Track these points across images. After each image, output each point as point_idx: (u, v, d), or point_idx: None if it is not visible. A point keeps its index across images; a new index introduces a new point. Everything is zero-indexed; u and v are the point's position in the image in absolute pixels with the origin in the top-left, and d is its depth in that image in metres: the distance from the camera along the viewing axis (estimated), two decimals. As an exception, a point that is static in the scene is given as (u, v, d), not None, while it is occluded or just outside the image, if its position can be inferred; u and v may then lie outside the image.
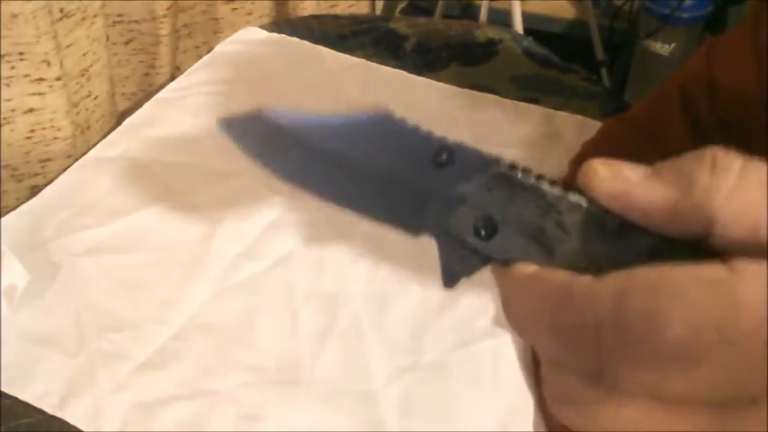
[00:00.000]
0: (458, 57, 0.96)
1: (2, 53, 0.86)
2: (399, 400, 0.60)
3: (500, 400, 0.61)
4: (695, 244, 0.25)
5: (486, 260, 0.27)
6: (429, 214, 0.27)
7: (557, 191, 0.26)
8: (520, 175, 0.27)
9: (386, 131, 0.27)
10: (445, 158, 0.27)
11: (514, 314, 0.27)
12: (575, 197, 0.26)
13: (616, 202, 0.26)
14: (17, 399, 0.60)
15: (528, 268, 0.26)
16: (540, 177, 0.27)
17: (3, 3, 0.83)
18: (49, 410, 0.59)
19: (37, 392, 0.60)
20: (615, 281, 0.24)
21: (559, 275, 0.25)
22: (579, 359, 0.25)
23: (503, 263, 0.27)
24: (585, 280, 0.25)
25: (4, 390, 0.60)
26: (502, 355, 0.63)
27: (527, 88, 0.91)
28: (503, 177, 0.27)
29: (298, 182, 0.28)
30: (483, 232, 0.26)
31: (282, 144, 0.27)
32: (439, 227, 0.27)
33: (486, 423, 0.60)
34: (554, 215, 0.26)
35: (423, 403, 0.60)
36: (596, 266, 0.25)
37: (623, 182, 0.26)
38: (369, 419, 0.59)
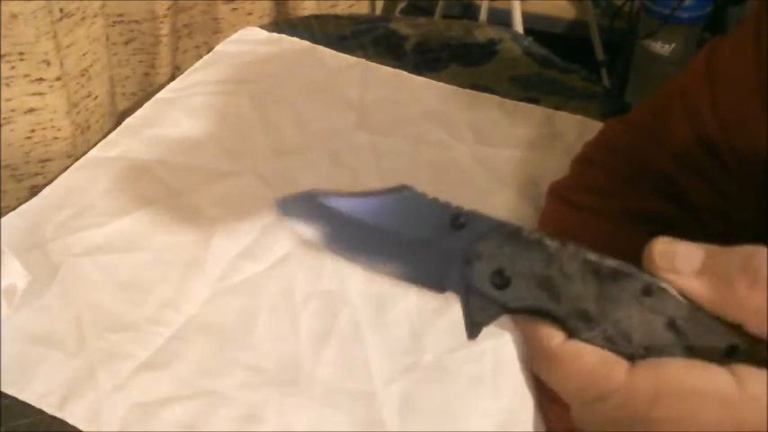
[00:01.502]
0: (458, 57, 0.96)
1: (2, 53, 0.86)
2: (399, 401, 0.60)
3: (500, 400, 0.61)
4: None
5: (503, 308, 0.32)
6: (452, 272, 0.32)
7: (556, 244, 0.31)
8: (525, 234, 0.31)
9: (410, 205, 0.33)
10: (461, 222, 0.33)
11: (558, 387, 0.33)
12: (572, 248, 0.31)
13: (668, 278, 0.31)
14: (17, 399, 0.60)
15: (561, 347, 0.31)
16: (542, 235, 0.31)
17: (3, 3, 0.83)
18: (49, 410, 0.59)
19: (37, 392, 0.60)
20: (650, 384, 0.30)
21: (595, 364, 0.31)
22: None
23: (519, 311, 0.31)
24: (622, 377, 0.30)
25: (3, 390, 0.60)
26: (502, 356, 0.63)
27: (527, 88, 0.91)
28: (511, 236, 0.31)
29: (342, 251, 0.34)
30: (498, 283, 0.31)
31: (329, 220, 0.33)
32: (460, 282, 0.32)
33: (486, 423, 0.60)
34: (556, 264, 0.31)
35: (422, 404, 0.60)
36: (597, 306, 0.30)
37: (675, 272, 0.31)
38: (368, 420, 0.59)
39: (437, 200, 0.33)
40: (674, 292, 0.30)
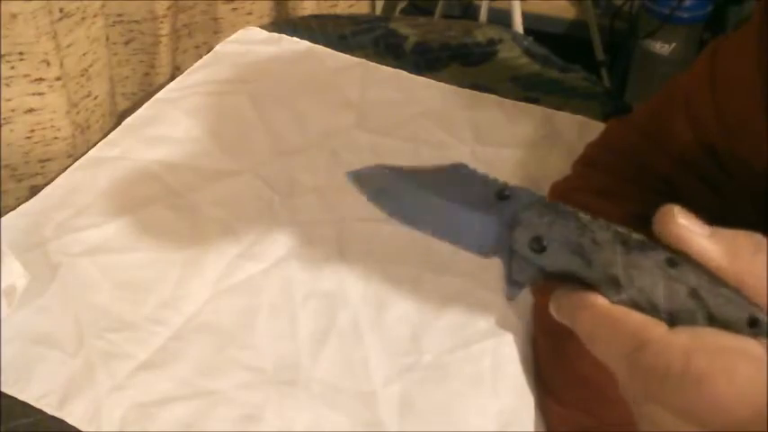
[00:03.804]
0: (458, 57, 0.96)
1: (2, 53, 0.86)
2: (399, 401, 0.60)
3: (500, 400, 0.61)
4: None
5: (540, 270, 0.34)
6: (495, 237, 0.36)
7: (589, 217, 0.34)
8: (561, 206, 0.35)
9: (463, 178, 0.38)
10: (506, 194, 0.36)
11: (599, 349, 0.35)
12: (603, 221, 0.34)
13: (678, 242, 0.34)
14: (16, 399, 0.59)
15: (607, 306, 0.34)
16: (576, 209, 0.35)
17: (3, 3, 0.83)
18: (49, 410, 0.59)
19: (36, 392, 0.60)
20: (685, 339, 0.32)
21: (638, 320, 0.33)
22: (644, 390, 0.33)
23: (555, 275, 0.34)
24: (661, 331, 0.33)
25: (3, 390, 0.60)
26: (502, 356, 0.63)
27: (527, 88, 0.91)
28: (549, 206, 0.35)
29: (402, 217, 0.38)
30: (535, 248, 0.34)
31: (393, 190, 0.39)
32: (503, 246, 0.35)
33: (486, 423, 0.60)
34: (589, 234, 0.34)
35: (422, 404, 0.60)
36: (625, 272, 0.33)
37: (691, 232, 0.34)
38: (368, 420, 0.59)
39: (487, 175, 0.37)
40: (695, 265, 0.33)
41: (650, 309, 0.33)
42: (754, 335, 0.32)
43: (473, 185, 0.37)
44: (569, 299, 0.35)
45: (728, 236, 0.33)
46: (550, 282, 0.35)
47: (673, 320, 0.33)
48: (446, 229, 0.37)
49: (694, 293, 0.32)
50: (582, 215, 0.34)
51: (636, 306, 0.33)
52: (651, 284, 0.33)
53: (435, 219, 0.38)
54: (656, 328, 0.33)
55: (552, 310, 0.36)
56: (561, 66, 0.94)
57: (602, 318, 0.34)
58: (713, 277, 0.33)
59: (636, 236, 0.34)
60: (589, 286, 0.34)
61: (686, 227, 0.34)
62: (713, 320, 0.32)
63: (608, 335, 0.34)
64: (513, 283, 0.35)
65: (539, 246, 0.34)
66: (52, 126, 0.92)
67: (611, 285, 0.33)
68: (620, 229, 0.34)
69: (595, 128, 0.78)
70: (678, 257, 0.33)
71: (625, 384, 0.34)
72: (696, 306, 0.32)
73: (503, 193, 0.36)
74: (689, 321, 0.32)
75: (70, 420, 0.58)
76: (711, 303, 0.32)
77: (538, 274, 0.35)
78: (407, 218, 0.38)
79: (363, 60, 0.94)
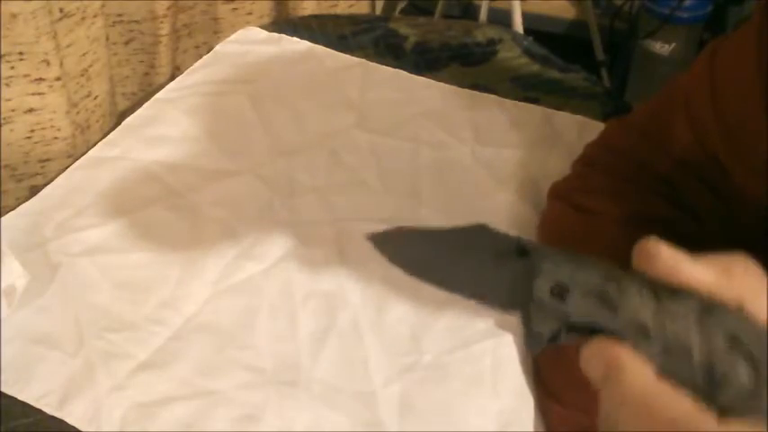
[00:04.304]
0: (458, 57, 0.96)
1: (2, 53, 0.86)
2: (398, 401, 0.60)
3: (500, 400, 0.61)
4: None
5: (563, 319, 0.33)
6: (517, 292, 0.35)
7: (613, 265, 0.33)
8: (584, 256, 0.33)
9: (481, 236, 0.37)
10: (526, 249, 0.35)
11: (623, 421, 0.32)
12: (627, 272, 0.33)
13: (668, 273, 0.32)
14: (16, 399, 0.59)
15: (652, 379, 0.31)
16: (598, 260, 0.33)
17: (3, 3, 0.83)
18: (48, 410, 0.59)
19: (36, 392, 0.60)
20: None
21: (687, 408, 0.30)
22: None
23: (579, 330, 0.33)
24: (714, 422, 0.30)
25: (3, 390, 0.60)
26: (502, 356, 0.63)
27: (527, 88, 0.91)
28: (570, 256, 0.33)
29: (426, 279, 0.38)
30: (557, 293, 0.33)
31: (414, 252, 0.38)
32: (523, 296, 0.34)
33: (485, 423, 0.60)
34: (613, 282, 0.32)
35: (422, 404, 0.60)
36: (655, 320, 0.31)
37: (678, 260, 0.32)
38: (368, 420, 0.59)
39: (506, 233, 0.37)
40: (732, 311, 0.31)
41: (684, 358, 0.30)
42: None
43: (492, 244, 0.36)
44: (603, 353, 0.32)
45: (716, 258, 0.32)
46: (573, 337, 0.33)
47: (711, 374, 0.30)
48: (471, 288, 0.37)
49: (733, 339, 0.30)
50: (605, 264, 0.33)
51: (668, 353, 0.30)
52: (684, 329, 0.30)
53: (459, 279, 0.37)
54: (708, 420, 0.30)
55: (583, 362, 0.33)
56: (561, 66, 0.94)
57: (651, 398, 0.31)
58: (750, 321, 0.30)
59: (664, 283, 0.32)
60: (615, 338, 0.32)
61: (672, 256, 0.32)
62: (756, 364, 0.29)
63: (656, 418, 0.31)
64: (534, 335, 0.34)
65: (561, 291, 0.33)
66: (52, 126, 0.92)
67: (640, 334, 0.31)
68: (647, 277, 0.32)
69: (595, 128, 0.78)
70: (715, 304, 0.31)
71: None
72: (736, 352, 0.30)
73: (523, 249, 0.35)
74: (729, 369, 0.30)
75: (70, 420, 0.58)
76: (753, 347, 0.30)
77: (560, 325, 0.33)
78: (431, 279, 0.38)
79: (363, 60, 0.94)
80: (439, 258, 0.37)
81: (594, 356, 0.33)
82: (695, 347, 0.30)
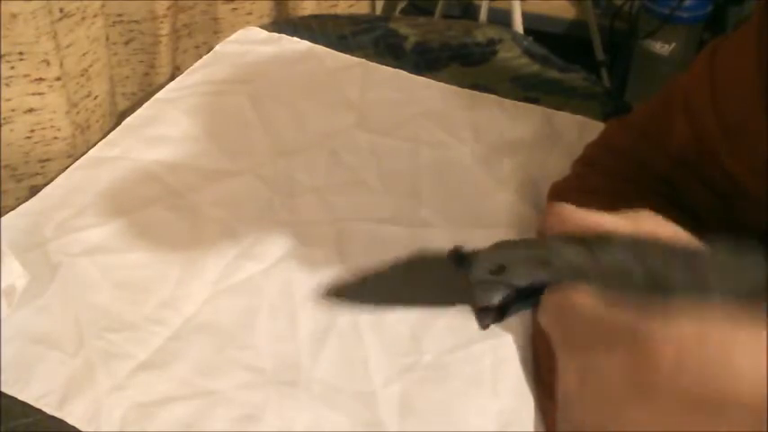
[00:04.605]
0: (458, 57, 0.96)
1: (2, 53, 0.86)
2: (399, 401, 0.60)
3: (500, 400, 0.61)
4: None
5: (506, 285, 0.34)
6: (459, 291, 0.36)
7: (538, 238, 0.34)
8: (516, 240, 0.36)
9: (419, 261, 0.39)
10: (461, 254, 0.36)
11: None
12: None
13: (584, 227, 0.33)
14: (16, 399, 0.59)
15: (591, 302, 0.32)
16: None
17: (3, 3, 0.83)
18: (48, 410, 0.59)
19: (35, 392, 0.60)
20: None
21: (632, 314, 0.31)
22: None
23: (524, 296, 0.34)
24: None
25: (2, 390, 0.60)
26: (502, 356, 0.63)
27: (527, 88, 0.91)
28: (504, 243, 0.35)
29: (373, 307, 0.41)
30: (496, 271, 0.34)
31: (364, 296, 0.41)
32: (464, 287, 0.35)
33: (486, 423, 0.59)
34: (543, 247, 0.33)
35: (422, 404, 0.60)
36: (591, 261, 0.32)
37: (588, 215, 0.34)
38: (368, 420, 0.59)
39: (441, 250, 0.37)
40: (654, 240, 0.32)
41: (625, 280, 0.31)
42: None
43: (430, 265, 0.38)
44: (552, 300, 0.34)
45: (622, 212, 0.33)
46: (523, 305, 0.35)
47: (653, 287, 0.31)
48: (428, 298, 0.39)
49: (665, 254, 0.31)
50: (534, 239, 0.35)
51: (608, 284, 0.31)
52: (620, 260, 0.31)
53: (415, 297, 0.40)
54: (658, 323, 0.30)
55: (542, 323, 0.34)
56: (561, 66, 0.94)
57: (593, 311, 0.32)
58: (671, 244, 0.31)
59: (584, 235, 0.33)
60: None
61: (583, 213, 0.33)
62: (695, 272, 0.31)
63: (600, 331, 0.32)
64: (481, 311, 0.35)
65: (499, 270, 0.34)
66: (52, 126, 0.93)
67: (578, 276, 0.32)
68: (569, 235, 0.33)
69: (595, 128, 0.78)
70: (637, 237, 0.32)
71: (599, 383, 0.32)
72: (672, 264, 0.31)
73: (458, 255, 0.36)
74: (670, 276, 0.31)
75: (70, 420, 0.58)
76: (687, 259, 0.31)
77: (503, 289, 0.34)
78: (393, 305, 0.40)
79: (363, 60, 0.94)
80: (387, 298, 0.39)
81: (546, 310, 0.33)
82: (635, 269, 0.31)
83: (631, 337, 0.30)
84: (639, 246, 0.32)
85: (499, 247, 0.34)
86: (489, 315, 0.35)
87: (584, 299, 0.32)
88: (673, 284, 0.30)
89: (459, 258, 0.36)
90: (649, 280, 0.31)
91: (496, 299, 0.34)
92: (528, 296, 0.35)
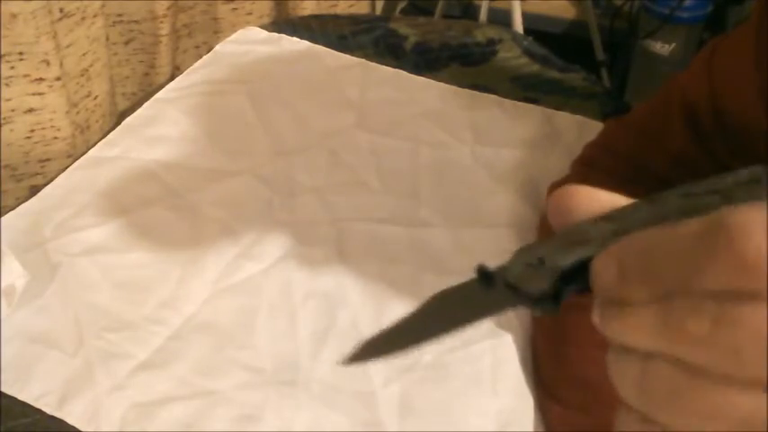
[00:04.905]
0: (458, 57, 0.96)
1: (2, 53, 0.86)
2: (398, 401, 0.60)
3: (500, 400, 0.61)
4: None
5: (550, 275, 0.32)
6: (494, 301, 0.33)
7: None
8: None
9: (441, 302, 0.36)
10: (486, 274, 0.33)
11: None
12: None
13: (597, 208, 0.30)
14: (15, 398, 0.59)
15: None
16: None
17: (3, 3, 0.83)
18: (48, 410, 0.59)
19: (35, 392, 0.60)
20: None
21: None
22: None
23: (571, 278, 0.31)
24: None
25: (2, 389, 0.60)
26: (501, 356, 0.63)
27: (527, 88, 0.91)
28: (528, 245, 0.32)
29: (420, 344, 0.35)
30: (534, 264, 0.32)
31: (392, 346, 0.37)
32: (503, 293, 0.33)
33: (485, 423, 0.60)
34: (572, 233, 0.31)
35: (422, 404, 0.60)
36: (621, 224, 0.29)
37: (597, 194, 0.30)
38: (367, 420, 0.59)
39: (461, 283, 0.35)
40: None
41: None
42: None
43: (453, 296, 0.35)
44: (605, 258, 0.29)
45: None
46: (573, 289, 0.31)
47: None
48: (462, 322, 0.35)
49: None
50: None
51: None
52: (650, 209, 0.29)
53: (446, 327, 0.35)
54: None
55: (596, 282, 0.29)
56: (561, 66, 0.94)
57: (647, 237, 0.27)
58: None
59: (601, 215, 0.31)
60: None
61: (591, 194, 0.31)
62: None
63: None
64: (535, 303, 0.32)
65: (539, 261, 0.31)
66: (52, 126, 0.93)
67: (616, 237, 0.30)
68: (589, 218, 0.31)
69: (595, 128, 0.78)
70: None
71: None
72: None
73: (485, 273, 0.33)
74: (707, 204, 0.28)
75: (69, 420, 0.58)
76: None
77: (551, 280, 0.31)
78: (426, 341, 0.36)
79: (363, 60, 0.94)
80: (422, 331, 0.36)
81: (600, 267, 0.29)
82: (671, 209, 0.28)
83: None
84: (658, 200, 0.30)
85: (525, 248, 0.32)
86: (545, 303, 0.33)
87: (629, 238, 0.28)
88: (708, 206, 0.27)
89: (486, 276, 0.34)
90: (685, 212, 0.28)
91: (546, 284, 0.32)
92: (575, 278, 0.33)
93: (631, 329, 0.26)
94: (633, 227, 0.29)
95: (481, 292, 0.33)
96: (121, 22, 1.06)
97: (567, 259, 0.31)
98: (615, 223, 0.30)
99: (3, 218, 0.73)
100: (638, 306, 0.26)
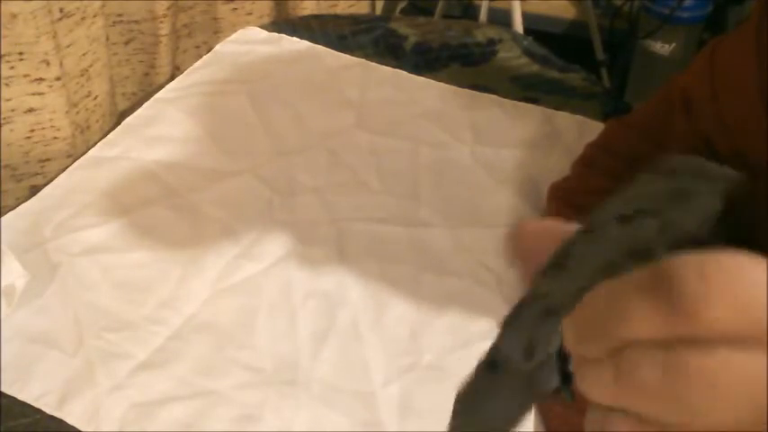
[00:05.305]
0: (458, 57, 0.96)
1: (2, 53, 0.86)
2: (398, 401, 0.60)
3: (499, 400, 0.61)
4: None
5: (555, 360, 0.31)
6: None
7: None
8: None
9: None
10: (492, 361, 0.32)
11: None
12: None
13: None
14: (15, 398, 0.59)
15: None
16: None
17: (3, 3, 0.83)
18: (48, 410, 0.59)
19: (35, 392, 0.60)
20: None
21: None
22: None
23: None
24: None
25: (2, 389, 0.60)
26: (501, 356, 0.63)
27: (527, 88, 0.91)
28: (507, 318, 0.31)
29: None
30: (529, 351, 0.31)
31: None
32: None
33: (485, 423, 0.59)
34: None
35: (421, 404, 0.60)
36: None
37: (555, 226, 0.31)
38: (367, 420, 0.59)
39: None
40: None
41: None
42: None
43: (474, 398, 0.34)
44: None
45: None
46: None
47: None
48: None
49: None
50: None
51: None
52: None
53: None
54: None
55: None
56: (561, 66, 0.94)
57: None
58: None
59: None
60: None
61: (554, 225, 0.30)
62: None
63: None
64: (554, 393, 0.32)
65: (531, 350, 0.31)
66: (52, 126, 0.92)
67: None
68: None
69: (595, 128, 0.78)
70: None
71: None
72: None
73: (491, 360, 0.32)
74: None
75: (69, 420, 0.58)
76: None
77: (557, 365, 0.31)
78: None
79: (363, 60, 0.94)
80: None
81: (564, 332, 0.29)
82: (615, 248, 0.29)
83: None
84: (598, 229, 0.29)
85: (509, 321, 0.31)
86: (563, 391, 0.32)
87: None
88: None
89: (493, 365, 0.32)
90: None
91: (555, 379, 0.31)
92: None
93: (590, 387, 0.26)
94: (589, 280, 0.28)
95: (494, 385, 0.32)
96: (121, 22, 1.06)
97: (553, 342, 0.30)
98: (570, 273, 0.29)
99: (3, 218, 0.73)
100: (594, 363, 0.25)
